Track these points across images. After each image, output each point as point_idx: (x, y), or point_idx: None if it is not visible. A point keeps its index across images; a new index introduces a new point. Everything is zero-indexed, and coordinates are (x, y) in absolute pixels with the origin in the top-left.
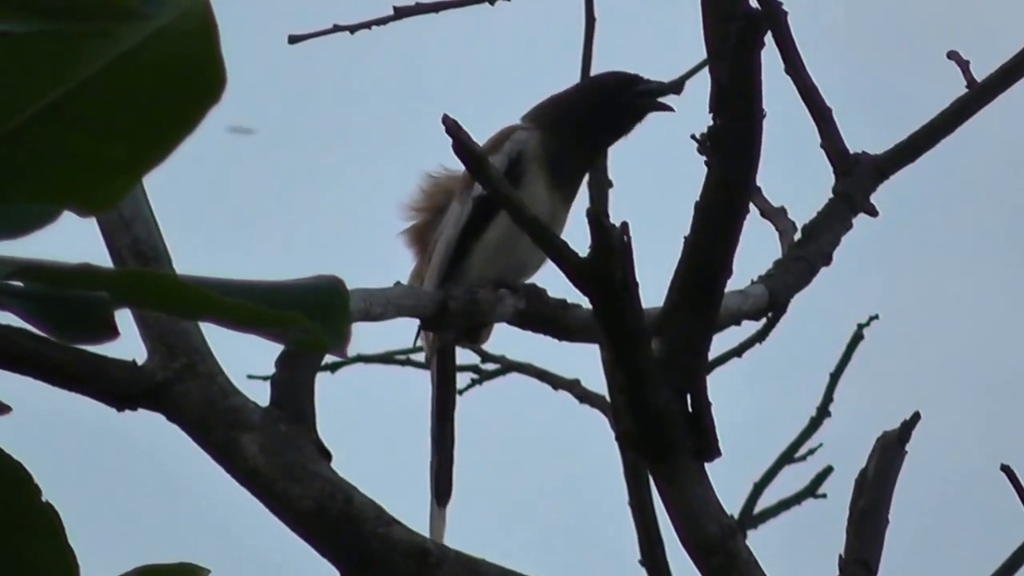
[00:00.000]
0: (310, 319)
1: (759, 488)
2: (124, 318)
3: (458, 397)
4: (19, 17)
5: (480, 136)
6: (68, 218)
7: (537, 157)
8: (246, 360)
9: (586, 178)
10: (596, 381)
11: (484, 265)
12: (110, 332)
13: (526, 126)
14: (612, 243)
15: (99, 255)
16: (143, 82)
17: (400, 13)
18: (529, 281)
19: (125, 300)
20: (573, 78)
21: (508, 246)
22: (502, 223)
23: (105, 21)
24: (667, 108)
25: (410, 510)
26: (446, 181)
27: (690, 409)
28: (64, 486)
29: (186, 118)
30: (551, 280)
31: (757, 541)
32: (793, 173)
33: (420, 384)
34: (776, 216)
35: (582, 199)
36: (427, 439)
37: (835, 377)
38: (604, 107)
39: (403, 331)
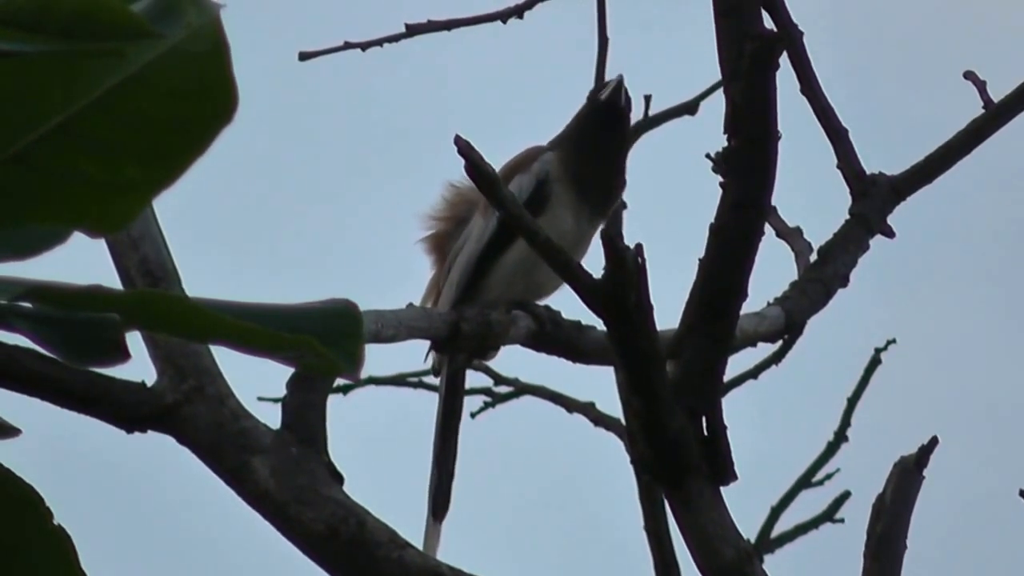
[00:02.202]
0: (323, 343)
1: (776, 512)
2: (133, 339)
3: (471, 420)
4: (29, 37)
5: (494, 155)
6: (76, 237)
7: (561, 179)
8: (256, 382)
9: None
10: (611, 404)
11: (502, 285)
12: (120, 354)
13: (550, 148)
14: (626, 265)
15: (107, 274)
16: (154, 102)
17: (411, 31)
18: (544, 303)
19: (135, 322)
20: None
21: (528, 267)
22: (523, 244)
23: (115, 41)
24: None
25: (423, 533)
26: (469, 192)
27: (705, 432)
28: (75, 509)
29: (198, 138)
30: (566, 302)
31: (774, 566)
32: (809, 194)
33: (432, 406)
34: (792, 237)
35: None
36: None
37: (852, 402)
38: (586, 121)
39: (415, 353)
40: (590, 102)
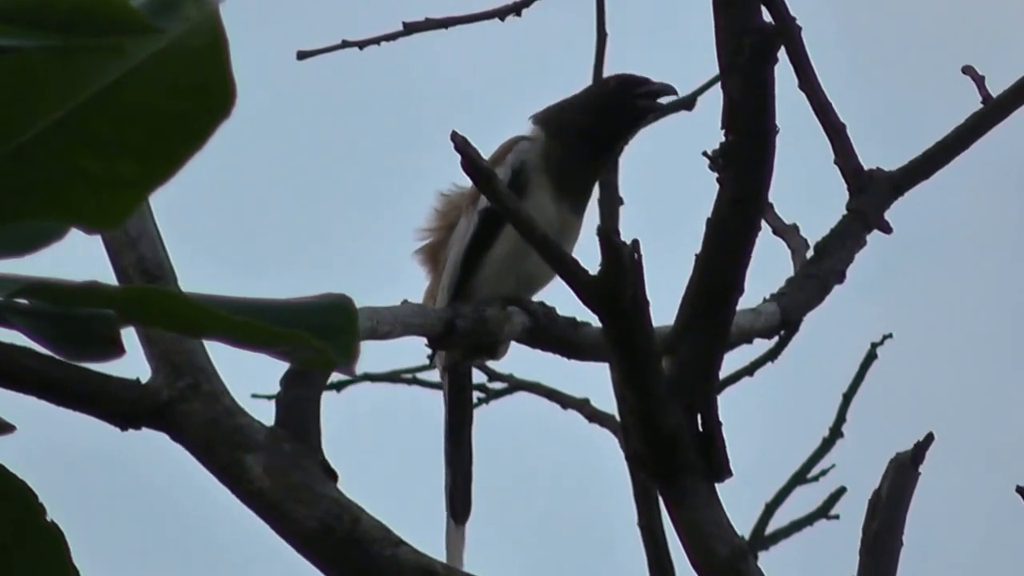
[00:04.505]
0: (318, 338)
1: (771, 509)
2: (129, 336)
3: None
4: (27, 32)
5: (491, 151)
6: (73, 235)
7: (539, 168)
8: (250, 379)
9: (596, 191)
10: (606, 400)
11: (492, 281)
12: (116, 350)
13: (531, 136)
14: (622, 261)
15: (104, 272)
16: (152, 97)
17: (409, 28)
18: (538, 298)
19: (132, 318)
20: None
21: (515, 261)
22: (509, 238)
23: (114, 36)
24: (664, 110)
25: (418, 531)
26: (458, 198)
27: (701, 429)
28: (68, 506)
29: (195, 134)
30: (561, 297)
31: (769, 563)
32: (806, 190)
33: (427, 403)
34: (789, 233)
35: (592, 216)
36: (440, 457)
37: (848, 397)
38: (606, 110)
39: (410, 349)
40: (621, 96)
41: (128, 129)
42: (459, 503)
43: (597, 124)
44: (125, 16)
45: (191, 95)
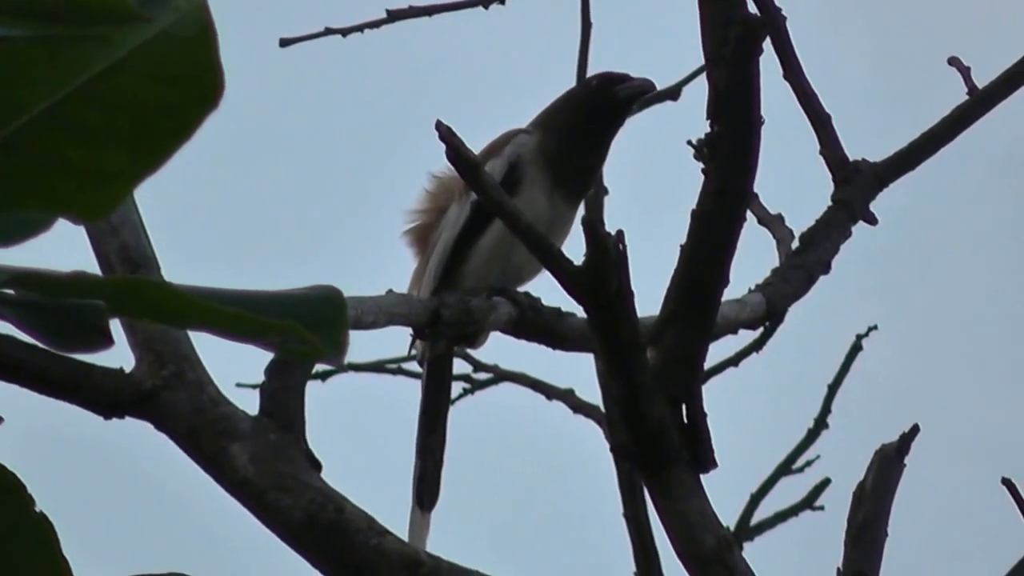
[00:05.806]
0: (307, 329)
1: (756, 500)
2: (113, 325)
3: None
4: (15, 21)
5: (475, 141)
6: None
7: (535, 161)
8: (235, 368)
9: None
10: (590, 391)
11: (479, 271)
12: (105, 340)
13: (528, 130)
14: (607, 251)
15: (86, 260)
16: (140, 87)
17: (392, 16)
18: (524, 289)
19: (120, 309)
20: (569, 83)
21: (503, 252)
22: (497, 229)
23: (103, 25)
24: (648, 101)
25: (402, 520)
26: (450, 182)
27: (686, 420)
28: (57, 496)
29: (183, 124)
30: (546, 288)
31: (754, 553)
32: (791, 180)
33: (412, 393)
34: (774, 224)
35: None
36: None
37: (833, 388)
38: (589, 109)
39: (395, 340)
40: (603, 92)
41: (116, 119)
42: (427, 491)
43: (584, 123)
44: (113, 6)
45: (179, 85)
